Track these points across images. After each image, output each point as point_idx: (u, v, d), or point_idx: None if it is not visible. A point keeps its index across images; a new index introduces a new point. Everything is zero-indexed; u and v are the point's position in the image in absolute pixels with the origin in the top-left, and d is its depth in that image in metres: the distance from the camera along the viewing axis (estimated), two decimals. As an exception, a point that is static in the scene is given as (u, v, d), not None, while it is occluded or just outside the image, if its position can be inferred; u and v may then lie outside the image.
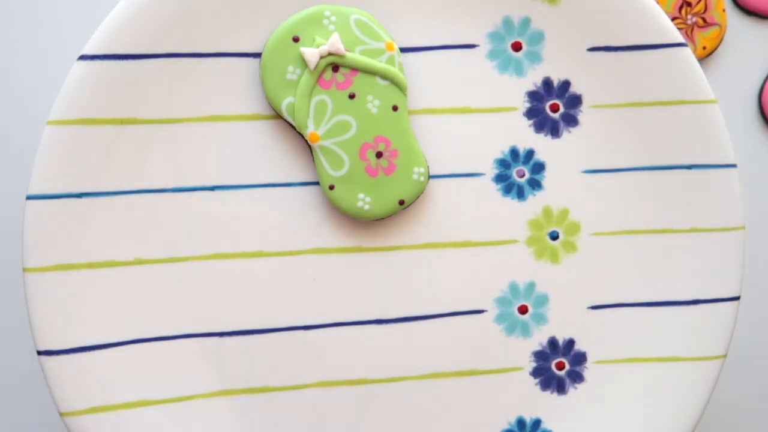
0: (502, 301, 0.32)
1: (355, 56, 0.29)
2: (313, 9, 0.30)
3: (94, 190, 0.29)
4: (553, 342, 0.32)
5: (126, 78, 0.29)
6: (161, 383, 0.30)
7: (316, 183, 0.31)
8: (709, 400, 0.31)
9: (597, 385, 0.32)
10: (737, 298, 0.31)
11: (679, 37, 0.30)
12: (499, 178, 0.31)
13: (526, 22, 0.31)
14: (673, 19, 0.39)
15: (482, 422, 0.32)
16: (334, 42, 0.29)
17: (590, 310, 0.32)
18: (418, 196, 0.31)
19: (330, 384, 0.31)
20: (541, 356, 0.32)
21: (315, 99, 0.30)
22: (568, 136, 0.32)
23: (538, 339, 0.32)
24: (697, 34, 0.39)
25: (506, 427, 0.32)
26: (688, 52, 0.31)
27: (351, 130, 0.30)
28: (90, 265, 0.30)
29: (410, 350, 0.31)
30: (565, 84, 0.31)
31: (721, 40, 0.39)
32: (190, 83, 0.30)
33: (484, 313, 0.32)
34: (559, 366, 0.32)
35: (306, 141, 0.30)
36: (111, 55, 0.29)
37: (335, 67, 0.29)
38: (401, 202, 0.30)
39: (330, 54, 0.29)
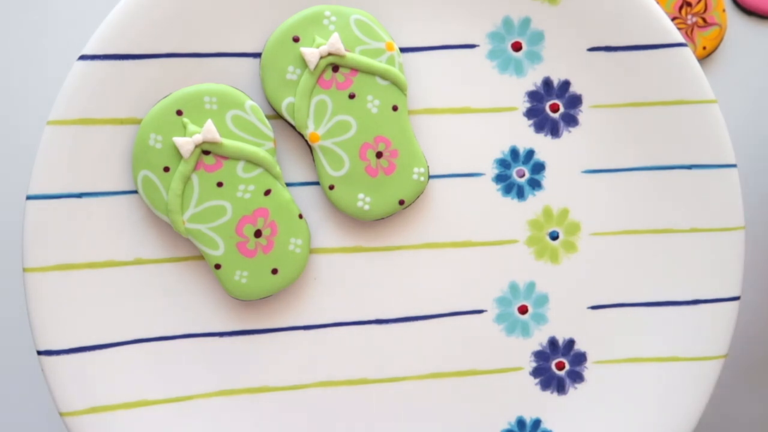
0: (502, 301, 0.32)
1: (355, 56, 0.29)
2: (313, 9, 0.30)
3: (94, 190, 0.29)
4: (553, 342, 0.32)
5: (126, 78, 0.29)
6: (161, 383, 0.30)
7: (316, 183, 0.31)
8: (709, 400, 0.31)
9: (597, 385, 0.32)
10: (737, 298, 0.31)
11: (679, 37, 0.30)
12: (499, 178, 0.31)
13: (526, 22, 0.31)
14: (673, 19, 0.39)
15: (482, 422, 0.32)
16: (334, 42, 0.29)
17: (590, 310, 0.32)
18: (418, 196, 0.31)
19: (330, 384, 0.31)
20: (541, 356, 0.32)
21: (315, 99, 0.30)
22: (568, 136, 0.32)
23: (538, 339, 0.32)
24: (697, 34, 0.39)
25: (506, 427, 0.32)
26: (688, 52, 0.30)
27: (351, 130, 0.30)
28: (90, 265, 0.30)
29: (410, 350, 0.31)
30: (565, 84, 0.31)
31: (721, 40, 0.39)
32: (190, 83, 0.30)
33: (484, 313, 0.32)
34: (559, 366, 0.32)
35: (306, 141, 0.30)
36: (111, 55, 0.29)
37: (335, 67, 0.29)
38: (401, 202, 0.30)
39: (330, 54, 0.29)
